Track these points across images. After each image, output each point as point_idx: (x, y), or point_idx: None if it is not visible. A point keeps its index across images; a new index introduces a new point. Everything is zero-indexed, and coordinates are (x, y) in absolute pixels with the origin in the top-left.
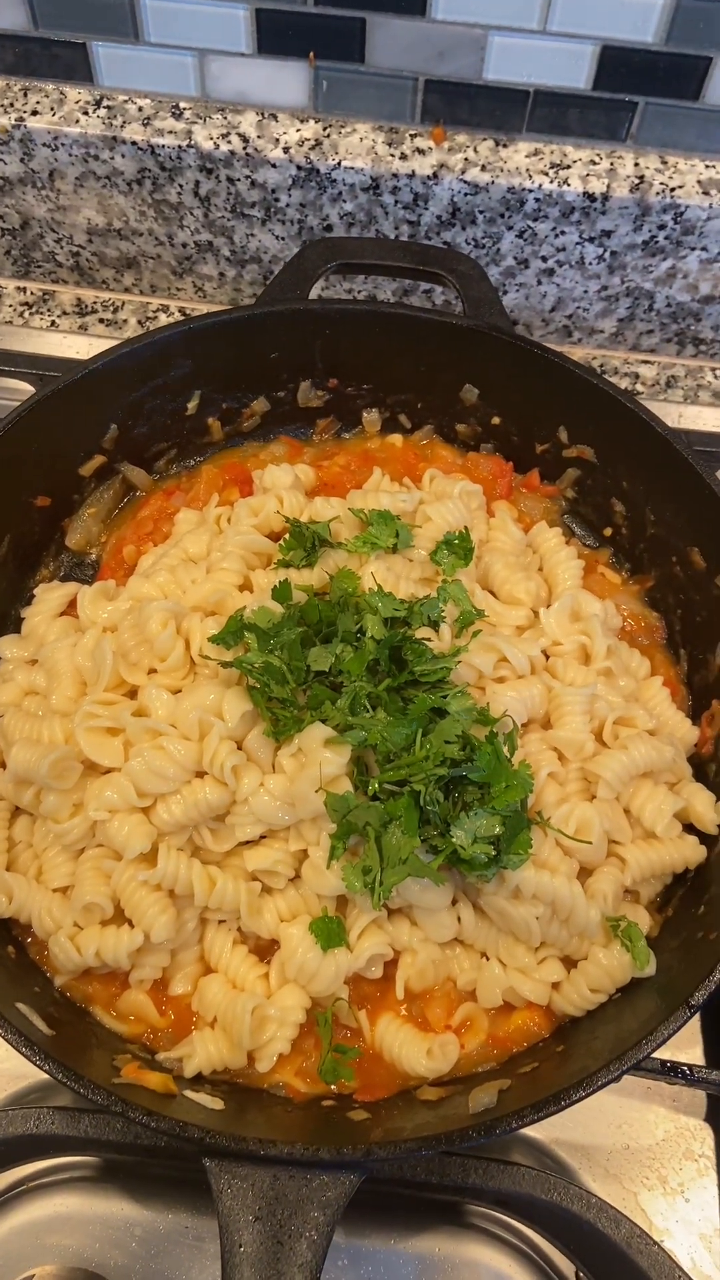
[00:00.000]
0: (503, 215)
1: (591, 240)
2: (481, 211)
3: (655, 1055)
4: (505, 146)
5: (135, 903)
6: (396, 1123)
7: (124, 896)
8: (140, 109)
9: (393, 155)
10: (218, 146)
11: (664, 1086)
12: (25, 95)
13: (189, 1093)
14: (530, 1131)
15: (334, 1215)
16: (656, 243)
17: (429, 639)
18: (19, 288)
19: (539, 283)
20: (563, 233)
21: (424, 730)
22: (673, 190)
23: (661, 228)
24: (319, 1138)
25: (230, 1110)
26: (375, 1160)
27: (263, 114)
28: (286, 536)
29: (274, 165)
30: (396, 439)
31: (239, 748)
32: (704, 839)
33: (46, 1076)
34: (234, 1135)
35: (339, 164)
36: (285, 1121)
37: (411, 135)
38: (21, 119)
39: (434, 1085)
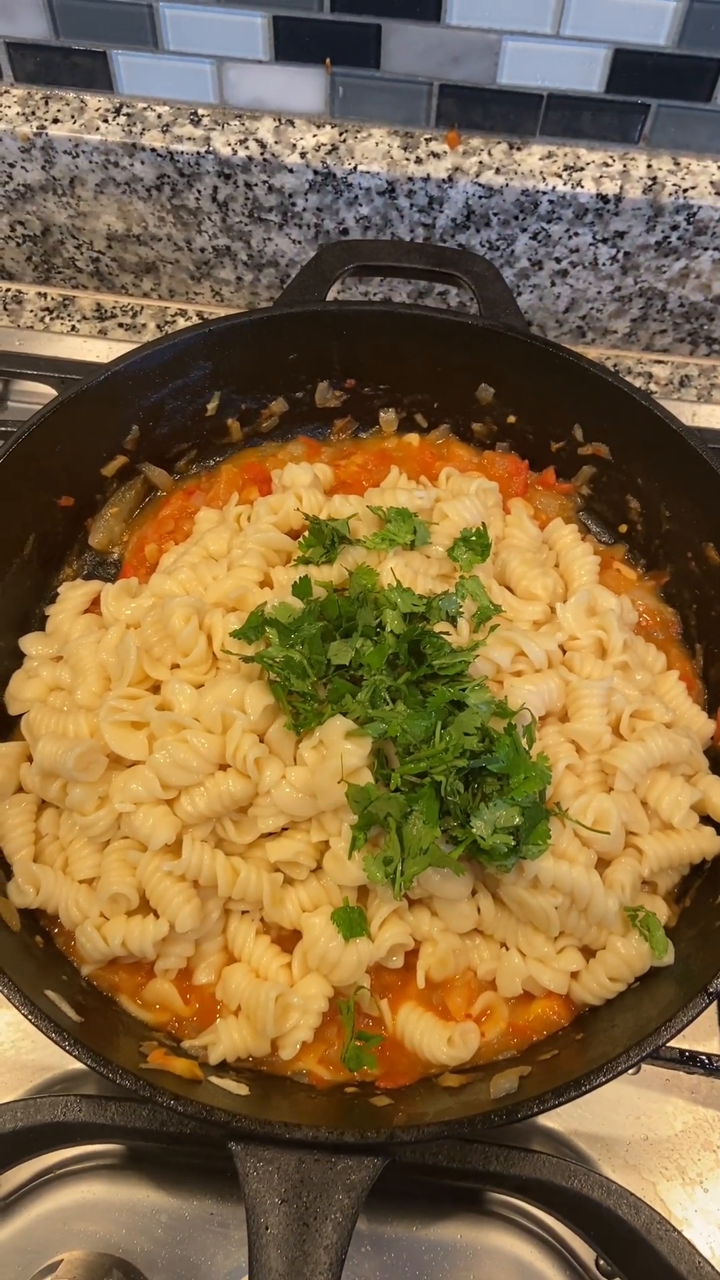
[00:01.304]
0: (517, 217)
1: (605, 241)
2: (496, 214)
3: (674, 1045)
4: (519, 149)
5: (160, 893)
6: (419, 1108)
7: (149, 887)
8: (159, 116)
9: (408, 159)
10: (235, 152)
11: (683, 1077)
12: (46, 104)
13: (214, 1079)
14: (550, 1122)
15: (359, 1198)
16: (669, 243)
17: (447, 633)
18: (40, 293)
19: (553, 284)
20: (576, 234)
21: (443, 722)
22: (685, 191)
23: (674, 228)
24: (342, 1123)
25: (255, 1096)
26: (398, 1143)
27: (280, 120)
28: (306, 534)
29: (291, 170)
30: (413, 438)
31: (261, 741)
32: None
33: (72, 1068)
34: (260, 1119)
35: (355, 168)
36: (309, 1107)
37: (426, 139)
38: (43, 127)
39: (455, 1072)
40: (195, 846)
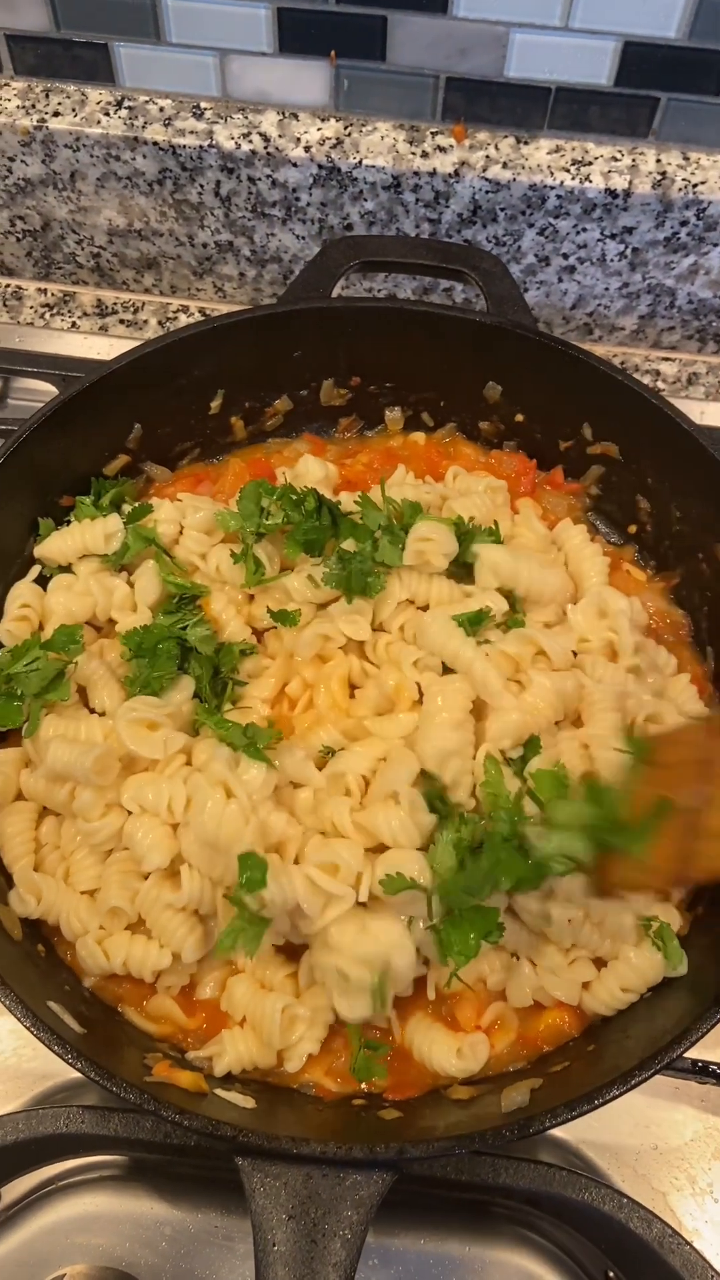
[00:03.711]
0: (524, 212)
1: (613, 237)
2: (503, 209)
3: (685, 1054)
4: (526, 144)
5: (162, 925)
6: (428, 1121)
7: (150, 918)
8: (161, 109)
9: (414, 153)
10: (239, 146)
11: (693, 1086)
12: (47, 96)
13: (220, 1091)
14: (558, 1131)
15: (368, 1214)
16: (678, 239)
17: None
18: (40, 289)
19: (560, 280)
20: (584, 230)
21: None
22: (695, 186)
23: (684, 224)
24: (350, 1136)
25: (261, 1109)
26: (409, 1159)
27: (284, 113)
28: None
29: (295, 164)
30: (419, 437)
31: None
32: None
33: (73, 1076)
34: (267, 1134)
35: (360, 162)
36: (316, 1120)
37: (432, 133)
38: (43, 120)
39: (465, 1084)
40: (194, 878)
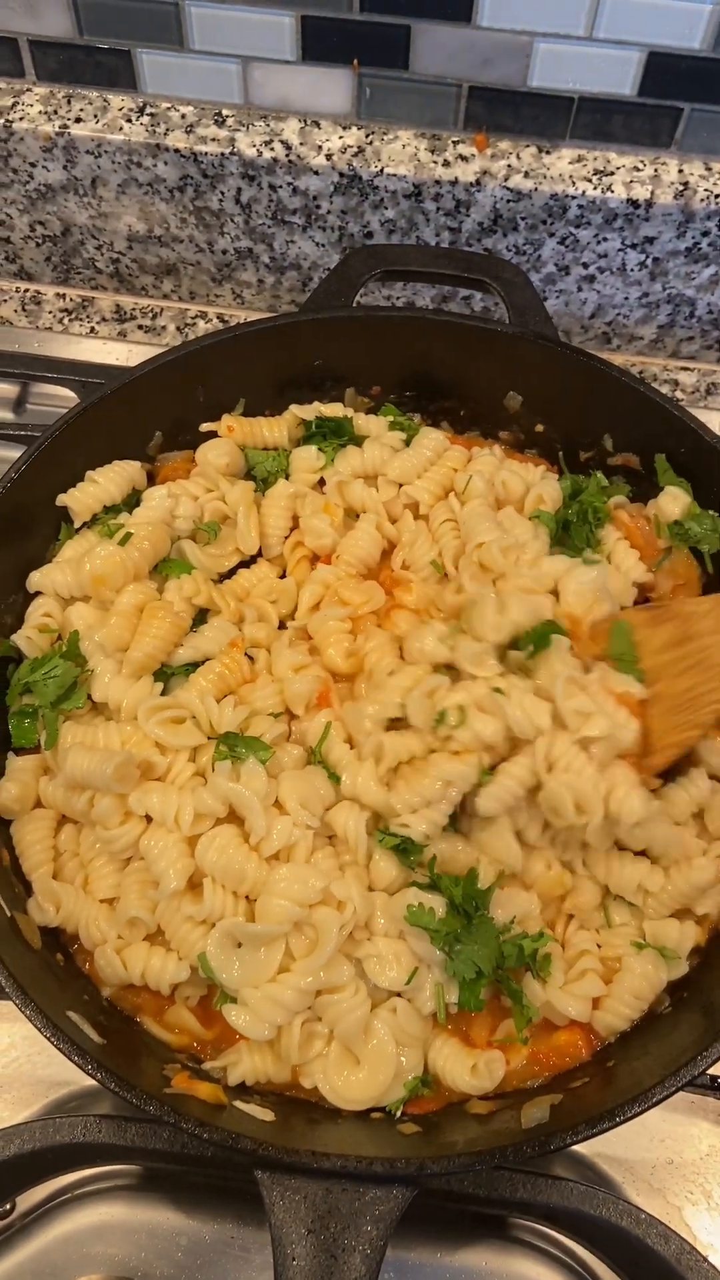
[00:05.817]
0: (545, 222)
1: (634, 247)
2: (524, 218)
3: None
4: (548, 153)
5: (181, 937)
6: (447, 1136)
7: (169, 930)
8: (183, 116)
9: (435, 162)
10: (260, 154)
11: (710, 1101)
12: (69, 103)
13: (239, 1103)
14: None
15: (387, 1229)
16: (700, 249)
17: None
18: (59, 294)
19: (579, 289)
20: (605, 239)
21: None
22: (717, 197)
23: (705, 234)
24: (369, 1151)
25: (280, 1122)
26: (429, 1174)
27: (305, 121)
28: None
29: (316, 172)
30: None
31: None
32: None
33: (88, 1083)
34: (287, 1148)
35: (381, 171)
36: (334, 1134)
37: (454, 142)
38: (65, 126)
39: (484, 1099)
40: (216, 892)
